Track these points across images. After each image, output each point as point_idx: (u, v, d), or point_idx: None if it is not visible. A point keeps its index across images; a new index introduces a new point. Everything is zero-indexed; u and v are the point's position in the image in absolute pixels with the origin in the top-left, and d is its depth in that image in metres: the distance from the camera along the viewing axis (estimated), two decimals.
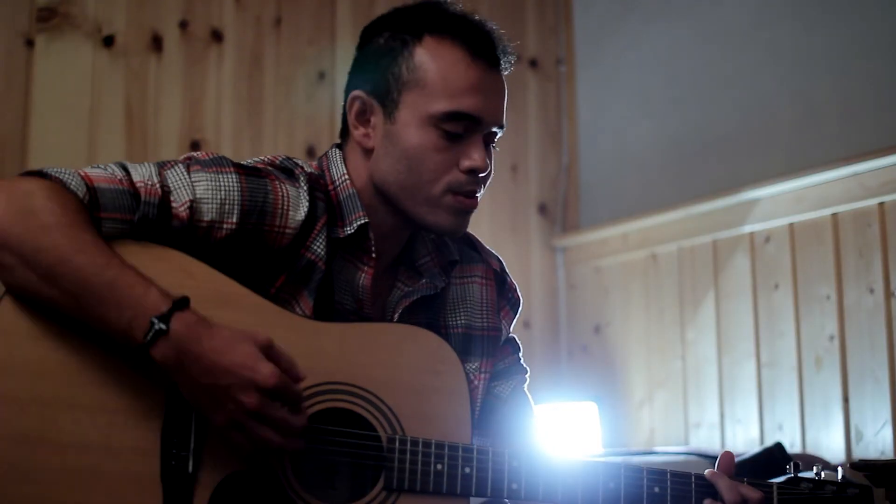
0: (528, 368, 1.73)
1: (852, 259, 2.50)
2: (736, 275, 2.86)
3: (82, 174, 1.35)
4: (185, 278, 1.36)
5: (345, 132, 1.59)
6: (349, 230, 1.51)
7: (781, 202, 2.70)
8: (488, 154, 1.53)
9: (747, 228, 2.82)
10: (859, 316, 2.47)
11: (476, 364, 1.64)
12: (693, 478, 1.49)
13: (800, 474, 1.54)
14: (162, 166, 1.42)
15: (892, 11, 2.54)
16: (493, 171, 1.55)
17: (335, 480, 1.41)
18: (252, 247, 1.44)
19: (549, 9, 3.72)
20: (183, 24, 3.08)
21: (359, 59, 1.58)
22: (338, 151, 1.58)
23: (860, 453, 2.43)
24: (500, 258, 1.75)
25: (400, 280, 1.60)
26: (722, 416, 2.85)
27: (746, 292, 2.81)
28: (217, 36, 3.13)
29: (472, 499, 1.45)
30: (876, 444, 2.40)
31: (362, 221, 1.51)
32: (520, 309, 1.74)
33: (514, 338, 1.73)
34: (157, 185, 1.38)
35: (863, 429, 2.43)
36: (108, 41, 2.96)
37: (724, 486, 1.48)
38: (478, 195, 1.53)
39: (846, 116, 2.64)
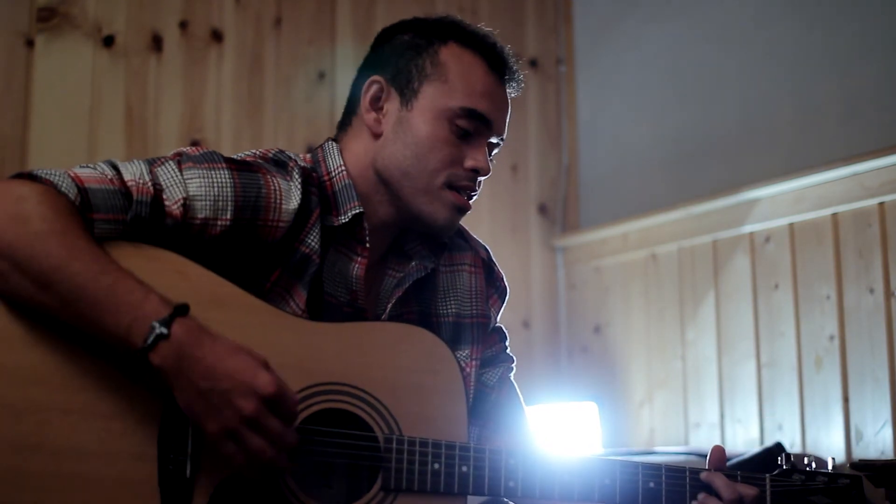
0: (514, 358, 1.77)
1: (852, 259, 2.50)
2: (736, 275, 2.85)
3: (72, 175, 1.34)
4: (178, 279, 1.35)
5: (344, 124, 1.63)
6: (343, 219, 1.53)
7: (781, 202, 2.70)
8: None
9: (747, 228, 2.81)
10: (859, 316, 2.47)
11: (466, 351, 1.67)
12: (688, 472, 1.50)
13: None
14: (152, 163, 1.41)
15: (893, 11, 2.54)
16: (489, 175, 1.61)
17: (333, 482, 1.41)
18: (246, 242, 1.44)
19: (549, 9, 3.71)
20: (183, 24, 3.08)
21: (376, 53, 1.63)
22: (334, 144, 1.61)
23: (860, 453, 2.42)
24: (488, 247, 1.79)
25: (390, 267, 1.63)
26: (722, 416, 2.85)
27: (746, 292, 2.80)
28: (217, 36, 3.12)
29: (471, 498, 1.45)
30: (876, 444, 2.40)
31: (357, 211, 1.54)
32: (506, 297, 1.78)
33: (500, 327, 1.76)
34: (149, 184, 1.37)
35: (863, 429, 2.43)
36: (108, 41, 2.95)
37: (721, 484, 1.49)
38: (473, 197, 1.59)
39: (846, 116, 2.64)
